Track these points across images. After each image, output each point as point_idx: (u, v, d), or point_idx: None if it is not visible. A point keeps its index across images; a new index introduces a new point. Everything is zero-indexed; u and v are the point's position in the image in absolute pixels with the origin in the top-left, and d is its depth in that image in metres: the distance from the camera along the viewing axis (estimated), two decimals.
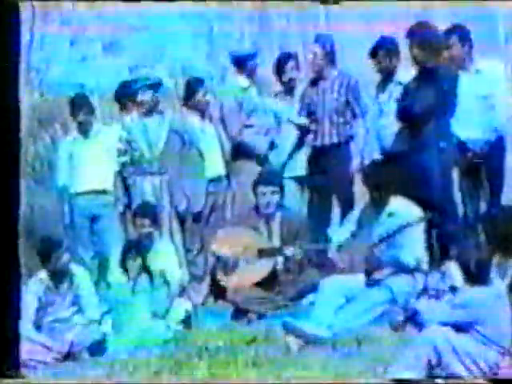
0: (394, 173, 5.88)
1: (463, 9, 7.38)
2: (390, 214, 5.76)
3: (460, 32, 6.31)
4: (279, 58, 7.08)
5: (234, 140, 6.91)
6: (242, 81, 7.00)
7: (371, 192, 5.86)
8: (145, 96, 6.95)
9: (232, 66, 7.15)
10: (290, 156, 6.89)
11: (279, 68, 7.01)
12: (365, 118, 6.67)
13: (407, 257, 5.63)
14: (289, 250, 6.09)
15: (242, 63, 7.00)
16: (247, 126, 6.92)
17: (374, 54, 6.49)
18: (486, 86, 6.18)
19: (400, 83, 6.37)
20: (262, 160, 6.90)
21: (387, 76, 6.51)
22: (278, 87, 7.12)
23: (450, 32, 6.30)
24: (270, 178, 6.38)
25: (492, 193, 6.32)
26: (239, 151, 6.92)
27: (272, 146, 6.96)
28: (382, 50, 6.45)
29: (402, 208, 5.76)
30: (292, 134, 6.89)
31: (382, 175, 5.84)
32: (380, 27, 7.34)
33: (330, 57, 6.71)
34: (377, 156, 6.39)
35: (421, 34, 6.09)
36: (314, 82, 6.81)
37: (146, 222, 6.30)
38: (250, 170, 6.79)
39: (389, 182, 5.82)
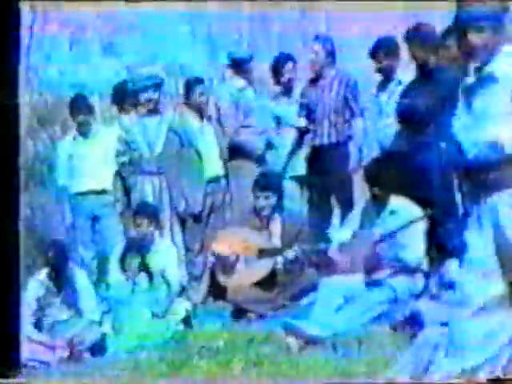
0: (395, 171, 5.87)
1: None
2: (391, 213, 5.75)
3: (458, 32, 6.30)
4: (277, 58, 7.08)
5: (231, 140, 6.91)
6: (239, 82, 7.00)
7: (372, 190, 5.86)
8: (144, 96, 6.94)
9: (229, 67, 7.15)
10: (289, 157, 6.88)
11: (278, 69, 7.02)
12: (364, 117, 6.67)
13: (408, 256, 5.62)
14: (289, 251, 6.09)
15: (239, 65, 7.01)
16: (244, 127, 6.93)
17: (373, 53, 6.50)
18: None
19: (400, 83, 6.38)
20: (259, 160, 6.90)
21: (387, 76, 6.52)
22: (277, 88, 7.12)
23: (448, 32, 6.30)
24: (266, 182, 6.33)
25: None
26: (236, 151, 6.92)
27: (269, 146, 6.96)
28: (382, 50, 6.46)
29: (403, 207, 5.75)
30: (291, 135, 6.89)
31: (383, 173, 5.83)
32: (380, 28, 7.34)
33: (331, 56, 6.71)
34: (377, 155, 6.39)
35: (420, 35, 6.09)
36: (312, 82, 6.80)
37: (146, 221, 6.29)
38: (247, 170, 6.80)
39: (390, 181, 5.81)
